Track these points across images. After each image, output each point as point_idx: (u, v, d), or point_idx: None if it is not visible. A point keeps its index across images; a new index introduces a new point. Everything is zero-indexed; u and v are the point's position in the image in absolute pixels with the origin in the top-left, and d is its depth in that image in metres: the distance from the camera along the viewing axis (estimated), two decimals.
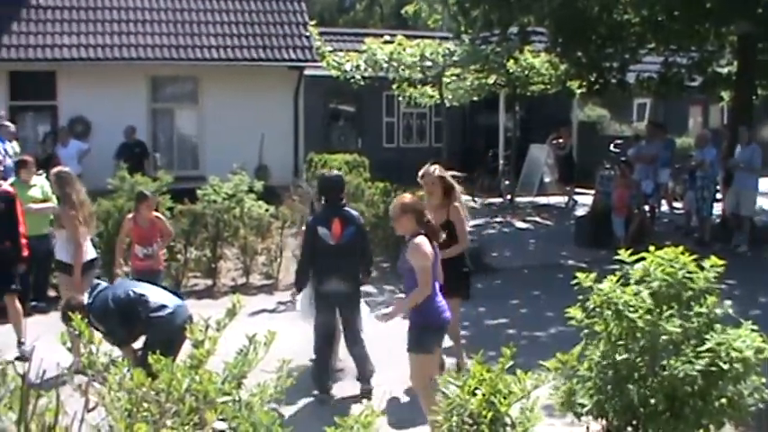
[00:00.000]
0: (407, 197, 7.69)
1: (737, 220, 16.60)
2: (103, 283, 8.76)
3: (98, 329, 7.65)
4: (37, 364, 3.63)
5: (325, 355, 9.06)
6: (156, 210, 11.44)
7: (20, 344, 10.37)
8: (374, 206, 14.80)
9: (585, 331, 5.84)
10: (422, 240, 7.21)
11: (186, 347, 4.29)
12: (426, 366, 7.17)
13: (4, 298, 10.60)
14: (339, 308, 8.97)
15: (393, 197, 14.62)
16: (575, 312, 5.82)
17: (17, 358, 9.88)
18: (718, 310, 5.65)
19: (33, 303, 12.04)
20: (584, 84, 19.57)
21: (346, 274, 8.96)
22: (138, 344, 8.12)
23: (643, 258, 5.83)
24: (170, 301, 8.32)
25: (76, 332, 4.10)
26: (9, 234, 10.40)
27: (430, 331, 7.27)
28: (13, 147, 17.26)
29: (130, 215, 11.04)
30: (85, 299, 8.30)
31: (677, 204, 20.23)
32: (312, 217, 9.45)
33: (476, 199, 22.86)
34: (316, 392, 8.84)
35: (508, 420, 4.79)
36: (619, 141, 23.54)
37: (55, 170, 10.81)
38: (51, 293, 12.72)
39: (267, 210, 14.30)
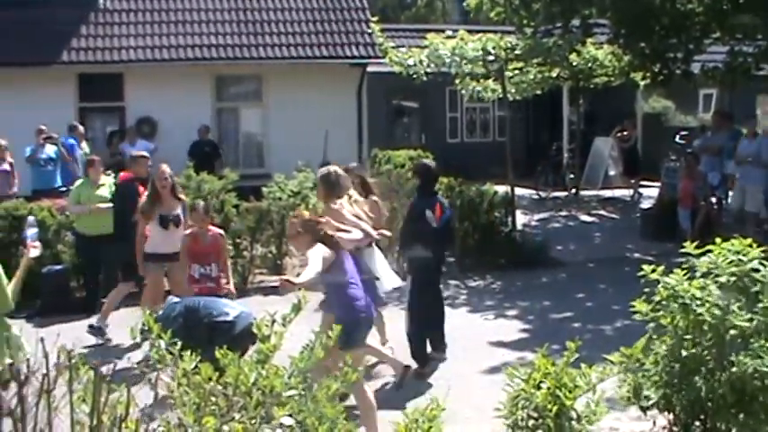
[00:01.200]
0: (303, 215, 7.98)
1: (743, 217, 15.67)
2: (176, 298, 8.79)
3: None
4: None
5: (422, 336, 9.55)
6: (222, 209, 11.39)
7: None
8: None
9: (651, 325, 5.79)
10: (317, 248, 7.55)
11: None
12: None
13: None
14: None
15: (457, 192, 14.69)
16: (640, 306, 5.78)
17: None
18: None
19: (103, 300, 12.25)
20: (648, 75, 19.31)
21: (441, 257, 9.80)
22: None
23: (710, 251, 5.76)
24: (233, 309, 8.49)
25: (146, 329, 4.20)
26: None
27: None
28: (84, 147, 17.61)
29: (188, 230, 9.88)
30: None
31: None
32: (417, 199, 9.82)
33: (540, 193, 22.76)
34: (416, 367, 9.18)
35: (573, 414, 4.79)
36: (684, 133, 23.22)
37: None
38: None
39: None
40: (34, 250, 6.79)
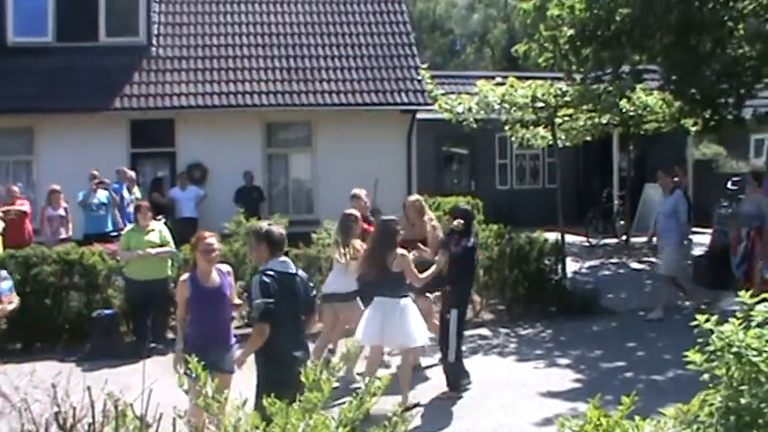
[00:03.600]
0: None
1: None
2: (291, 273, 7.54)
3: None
4: (154, 406, 3.69)
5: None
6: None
7: None
8: (488, 249, 14.68)
9: (706, 376, 5.66)
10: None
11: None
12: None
13: None
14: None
15: (507, 239, 14.59)
16: (694, 356, 5.64)
17: None
18: None
19: (152, 345, 12.30)
20: (699, 121, 19.17)
21: None
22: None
23: (766, 300, 5.64)
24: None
25: (194, 375, 4.17)
26: None
27: None
28: (135, 192, 17.81)
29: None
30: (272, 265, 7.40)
31: None
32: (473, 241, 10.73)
33: (590, 240, 22.57)
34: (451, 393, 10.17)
35: None
36: (736, 179, 22.95)
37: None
38: (169, 335, 12.97)
39: None
40: (11, 305, 6.75)
